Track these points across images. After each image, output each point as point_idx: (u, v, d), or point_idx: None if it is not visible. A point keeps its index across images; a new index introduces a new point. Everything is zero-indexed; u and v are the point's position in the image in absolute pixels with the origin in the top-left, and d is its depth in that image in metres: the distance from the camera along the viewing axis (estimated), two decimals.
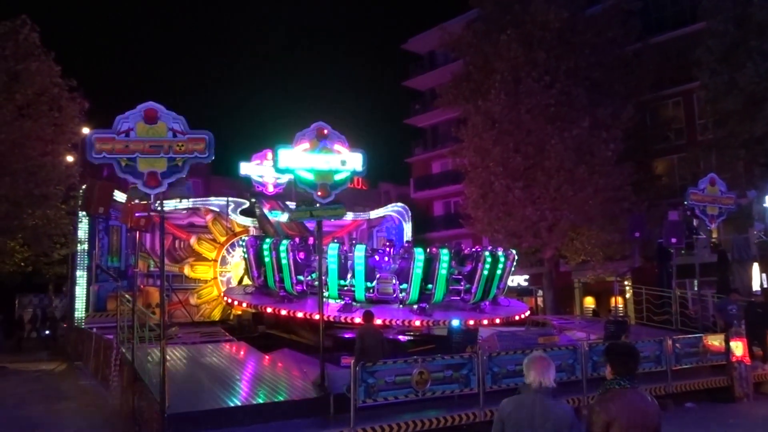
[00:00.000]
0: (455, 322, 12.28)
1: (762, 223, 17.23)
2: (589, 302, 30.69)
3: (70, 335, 19.75)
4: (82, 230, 17.92)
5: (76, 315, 18.09)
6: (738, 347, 12.38)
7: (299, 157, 9.72)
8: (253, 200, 20.06)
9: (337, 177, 9.84)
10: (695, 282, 15.91)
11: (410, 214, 23.34)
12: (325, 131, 9.90)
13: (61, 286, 26.81)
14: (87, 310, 17.79)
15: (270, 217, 19.08)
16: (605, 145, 21.56)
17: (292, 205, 20.44)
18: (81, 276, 17.89)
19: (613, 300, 28.97)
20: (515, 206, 22.21)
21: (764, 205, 16.75)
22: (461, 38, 25.51)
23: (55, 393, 13.08)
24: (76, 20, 75.18)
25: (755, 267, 20.58)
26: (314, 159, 9.75)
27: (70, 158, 21.14)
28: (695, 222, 14.87)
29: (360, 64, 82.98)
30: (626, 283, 26.44)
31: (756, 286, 19.69)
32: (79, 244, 17.92)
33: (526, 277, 31.24)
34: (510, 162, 22.07)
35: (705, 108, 22.06)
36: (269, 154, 20.20)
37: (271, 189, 20.64)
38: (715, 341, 12.47)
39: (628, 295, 26.17)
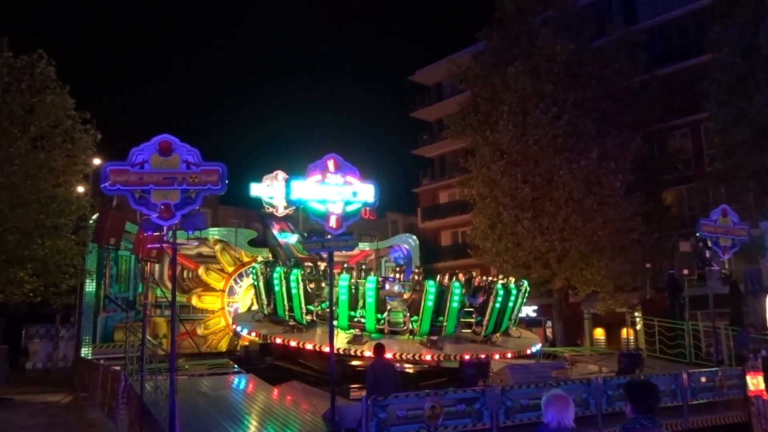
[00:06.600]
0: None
1: None
2: (599, 334, 30.29)
3: (77, 366, 19.64)
4: (92, 260, 17.93)
5: (83, 346, 18.02)
6: (755, 381, 12.17)
7: (311, 189, 9.74)
8: (265, 221, 19.87)
9: (349, 208, 9.85)
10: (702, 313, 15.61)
11: (418, 243, 23.29)
12: (337, 163, 9.94)
13: (69, 317, 26.74)
14: (94, 340, 17.71)
15: (279, 238, 19.00)
16: (614, 176, 21.56)
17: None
18: (89, 306, 17.86)
19: (624, 331, 28.66)
20: (524, 237, 22.14)
21: None
22: (469, 70, 25.79)
23: (62, 426, 12.93)
24: (90, 53, 76.67)
25: None
26: (326, 190, 9.78)
27: (81, 189, 21.25)
28: (708, 253, 14.72)
29: (369, 95, 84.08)
30: (637, 314, 26.13)
31: None
32: (87, 275, 17.90)
33: (535, 307, 30.93)
34: (518, 193, 22.08)
35: (713, 139, 22.04)
36: (280, 175, 20.14)
37: (281, 210, 20.58)
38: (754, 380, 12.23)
39: (638, 327, 25.83)
